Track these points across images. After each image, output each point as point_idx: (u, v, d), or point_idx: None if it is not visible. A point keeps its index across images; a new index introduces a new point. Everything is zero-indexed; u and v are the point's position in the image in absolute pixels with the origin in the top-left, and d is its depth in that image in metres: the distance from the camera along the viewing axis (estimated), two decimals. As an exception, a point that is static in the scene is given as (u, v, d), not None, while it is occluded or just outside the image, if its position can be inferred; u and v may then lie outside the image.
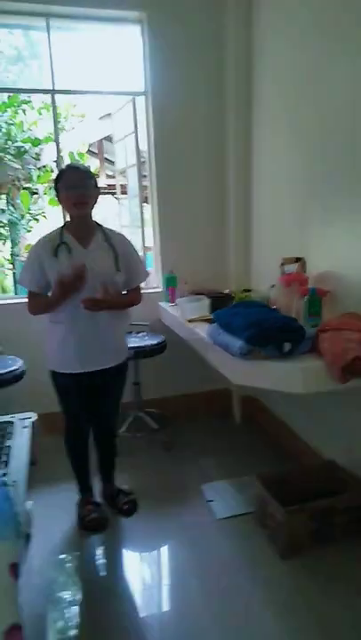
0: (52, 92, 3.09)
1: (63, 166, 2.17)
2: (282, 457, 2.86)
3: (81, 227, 2.13)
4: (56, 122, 3.19)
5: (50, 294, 2.15)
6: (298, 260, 2.50)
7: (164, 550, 2.25)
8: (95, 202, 2.12)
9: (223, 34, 3.10)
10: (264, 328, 1.81)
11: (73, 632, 1.75)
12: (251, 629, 1.73)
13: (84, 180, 2.05)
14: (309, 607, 1.80)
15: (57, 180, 2.10)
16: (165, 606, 1.91)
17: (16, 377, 2.60)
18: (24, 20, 3.08)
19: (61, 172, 2.10)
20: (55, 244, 2.09)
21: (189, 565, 2.08)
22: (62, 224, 2.19)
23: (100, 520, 2.31)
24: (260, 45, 2.94)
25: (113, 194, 7.39)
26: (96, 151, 7.08)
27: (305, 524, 2.05)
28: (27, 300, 2.18)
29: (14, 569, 1.27)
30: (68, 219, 2.23)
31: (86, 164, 6.27)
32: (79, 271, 2.01)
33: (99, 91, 3.37)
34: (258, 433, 3.20)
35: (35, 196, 6.09)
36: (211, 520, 2.33)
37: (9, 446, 2.04)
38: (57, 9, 2.92)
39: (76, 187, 2.03)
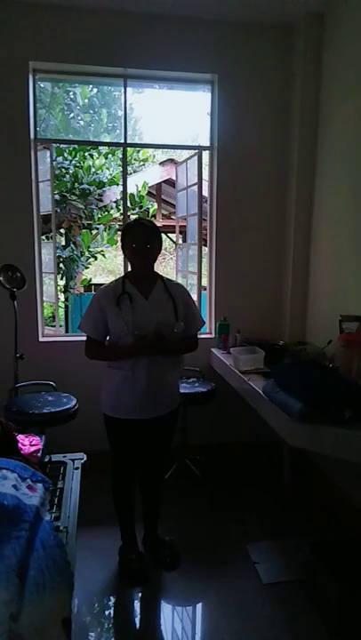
0: (125, 145, 3.29)
1: (131, 221, 2.26)
2: (334, 524, 2.70)
3: (143, 277, 2.20)
4: (125, 171, 3.36)
5: (107, 342, 2.21)
6: (358, 318, 2.46)
7: (205, 610, 2.18)
8: (158, 255, 2.20)
9: (290, 96, 3.22)
10: (325, 392, 1.77)
11: None
12: None
13: (150, 235, 2.14)
14: None
15: (124, 234, 2.19)
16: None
17: (70, 415, 2.65)
18: (103, 80, 3.33)
19: (129, 227, 2.19)
20: (117, 293, 2.16)
21: (229, 630, 1.99)
22: (124, 274, 2.27)
23: (143, 573, 2.28)
24: (326, 108, 3.02)
25: (166, 232, 7.64)
26: (155, 193, 7.38)
27: None
28: (86, 344, 2.24)
29: (66, 625, 1.26)
30: (129, 268, 2.31)
31: (147, 205, 6.61)
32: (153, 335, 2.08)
33: (168, 145, 3.54)
34: (308, 493, 3.05)
35: (94, 232, 6.38)
36: (256, 584, 2.23)
37: (61, 488, 2.06)
38: (135, 72, 3.14)
39: (143, 242, 2.11)
